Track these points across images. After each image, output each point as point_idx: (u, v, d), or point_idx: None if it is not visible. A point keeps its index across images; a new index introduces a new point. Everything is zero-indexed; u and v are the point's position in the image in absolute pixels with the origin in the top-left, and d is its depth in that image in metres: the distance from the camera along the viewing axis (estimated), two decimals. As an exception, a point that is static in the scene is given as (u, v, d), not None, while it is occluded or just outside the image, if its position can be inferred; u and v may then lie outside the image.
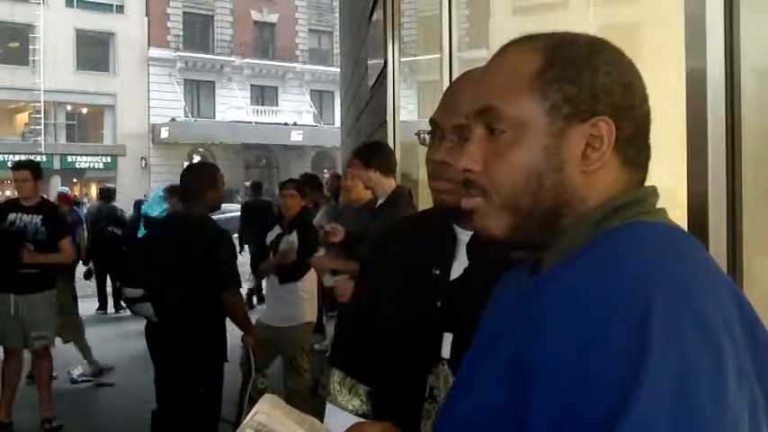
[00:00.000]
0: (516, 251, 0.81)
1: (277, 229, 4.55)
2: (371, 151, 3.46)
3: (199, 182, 3.52)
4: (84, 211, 10.16)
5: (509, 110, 0.74)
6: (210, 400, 3.44)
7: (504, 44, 0.79)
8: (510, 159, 0.74)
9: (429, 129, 1.14)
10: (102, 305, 9.15)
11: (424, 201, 3.95)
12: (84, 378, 6.07)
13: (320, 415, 1.22)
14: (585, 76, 0.73)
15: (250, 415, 0.82)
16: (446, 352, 1.08)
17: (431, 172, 1.13)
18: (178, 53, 28.87)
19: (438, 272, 1.13)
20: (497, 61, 0.78)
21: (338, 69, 14.58)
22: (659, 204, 0.76)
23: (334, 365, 1.26)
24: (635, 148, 0.75)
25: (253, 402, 3.90)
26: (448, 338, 1.08)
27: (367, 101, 6.38)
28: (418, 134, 1.16)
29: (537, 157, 0.73)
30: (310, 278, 4.45)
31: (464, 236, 1.13)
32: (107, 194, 9.33)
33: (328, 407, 1.24)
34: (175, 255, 3.35)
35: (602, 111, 0.72)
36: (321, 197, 6.61)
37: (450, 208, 1.12)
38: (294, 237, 4.36)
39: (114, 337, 7.80)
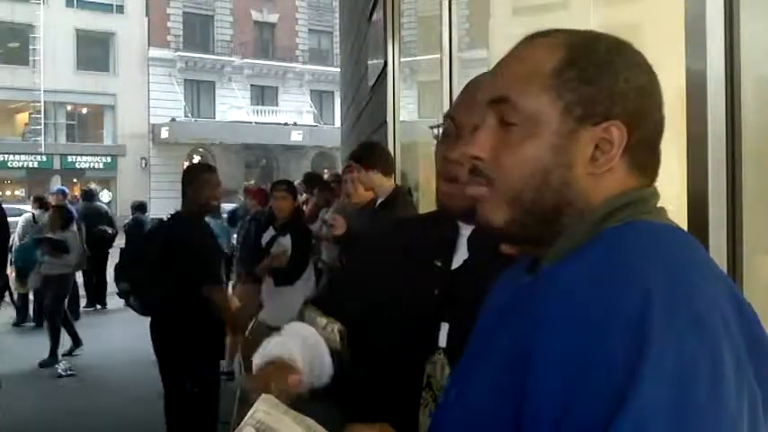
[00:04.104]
0: (515, 244, 0.81)
1: (271, 231, 4.53)
2: (371, 153, 3.45)
3: (185, 181, 3.61)
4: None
5: (523, 104, 0.73)
6: (206, 397, 3.44)
7: (529, 34, 0.78)
8: (518, 153, 0.73)
9: (443, 123, 1.12)
10: (91, 302, 9.36)
11: (424, 199, 3.95)
12: (70, 372, 6.10)
13: (318, 415, 1.22)
14: (605, 79, 0.72)
15: (249, 413, 0.83)
16: (443, 341, 1.09)
17: (442, 170, 1.11)
18: (178, 53, 28.86)
19: (439, 263, 1.14)
20: (519, 51, 0.78)
21: (338, 69, 14.58)
22: (660, 204, 0.76)
23: (314, 305, 1.24)
24: (644, 154, 0.74)
25: (242, 401, 3.92)
26: (445, 328, 1.09)
27: (367, 101, 6.38)
28: (432, 128, 1.15)
29: (545, 154, 0.72)
30: (308, 278, 4.45)
31: (466, 230, 1.14)
32: (88, 195, 9.73)
33: (292, 324, 1.20)
34: (160, 252, 3.48)
35: (617, 115, 0.72)
36: (332, 196, 6.59)
37: (455, 212, 1.12)
38: (287, 239, 4.35)
39: (109, 336, 7.80)
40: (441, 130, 1.13)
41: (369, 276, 1.23)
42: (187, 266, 3.39)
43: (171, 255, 3.45)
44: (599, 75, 0.72)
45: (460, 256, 1.13)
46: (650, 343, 0.58)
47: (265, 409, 0.84)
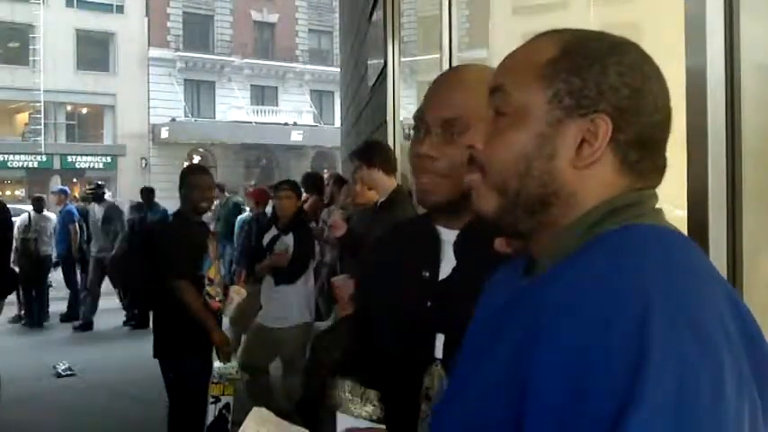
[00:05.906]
0: (508, 235, 0.83)
1: (273, 231, 4.53)
2: (373, 151, 3.43)
3: (179, 183, 3.70)
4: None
5: (514, 92, 0.75)
6: (193, 395, 3.45)
7: (540, 32, 0.80)
8: (505, 140, 0.75)
9: (413, 123, 1.15)
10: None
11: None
12: (69, 372, 6.09)
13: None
14: (594, 72, 0.72)
15: (241, 428, 0.84)
16: (439, 352, 1.09)
17: (415, 167, 1.14)
18: (178, 53, 28.84)
19: (427, 274, 1.14)
20: (522, 46, 0.80)
21: (338, 69, 14.57)
22: (659, 204, 0.76)
23: (342, 375, 1.25)
24: (638, 154, 0.73)
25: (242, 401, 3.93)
26: (440, 339, 1.09)
27: (367, 101, 6.38)
28: (403, 128, 1.18)
29: (530, 142, 0.73)
30: (307, 279, 4.44)
31: (449, 236, 1.14)
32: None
33: (340, 417, 1.20)
34: (144, 249, 3.76)
35: (605, 109, 0.72)
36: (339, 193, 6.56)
37: (434, 206, 1.13)
38: (290, 239, 4.34)
39: (109, 336, 7.80)
40: (411, 131, 1.16)
41: (369, 292, 1.23)
42: (159, 263, 3.53)
43: (150, 252, 3.62)
44: (589, 67, 0.72)
45: (448, 264, 1.13)
46: (650, 350, 0.57)
47: (257, 423, 0.85)
